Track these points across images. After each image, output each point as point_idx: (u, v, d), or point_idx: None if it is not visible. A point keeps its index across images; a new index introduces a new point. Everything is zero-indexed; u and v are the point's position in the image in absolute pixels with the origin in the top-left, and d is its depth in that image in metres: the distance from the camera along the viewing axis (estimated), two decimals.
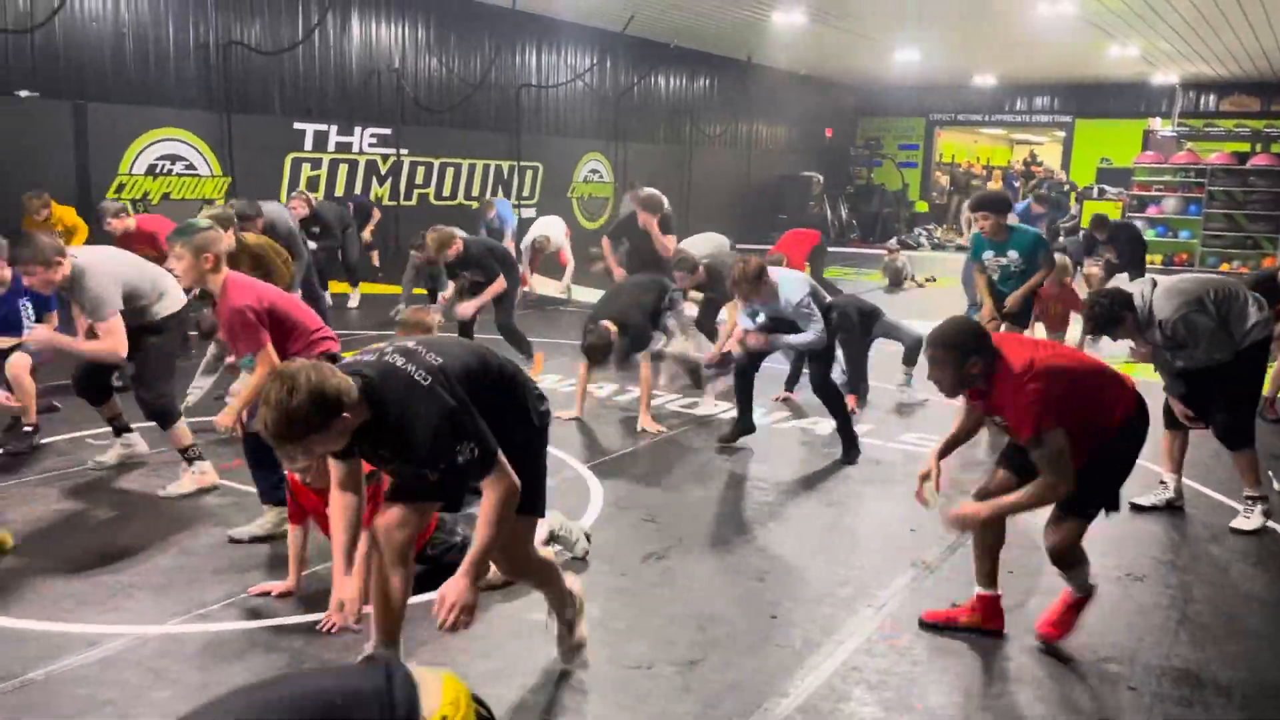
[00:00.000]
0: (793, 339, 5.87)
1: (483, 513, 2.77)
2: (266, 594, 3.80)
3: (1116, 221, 10.92)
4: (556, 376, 7.73)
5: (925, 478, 3.67)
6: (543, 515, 3.28)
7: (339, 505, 3.02)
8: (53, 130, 9.59)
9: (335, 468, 2.99)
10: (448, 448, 2.64)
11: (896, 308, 7.72)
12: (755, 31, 15.58)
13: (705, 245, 9.48)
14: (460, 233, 7.49)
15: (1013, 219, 7.59)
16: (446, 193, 13.86)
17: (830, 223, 20.62)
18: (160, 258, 7.13)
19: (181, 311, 5.07)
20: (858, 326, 7.10)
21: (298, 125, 11.90)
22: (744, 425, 6.07)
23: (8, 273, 5.45)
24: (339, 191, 12.39)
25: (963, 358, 3.35)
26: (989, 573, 3.67)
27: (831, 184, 21.54)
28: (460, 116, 13.89)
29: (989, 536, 3.64)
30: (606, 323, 6.32)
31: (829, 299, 6.13)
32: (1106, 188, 19.36)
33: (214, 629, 3.57)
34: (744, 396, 6.04)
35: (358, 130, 12.54)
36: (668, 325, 6.97)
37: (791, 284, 5.87)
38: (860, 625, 3.71)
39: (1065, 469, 3.26)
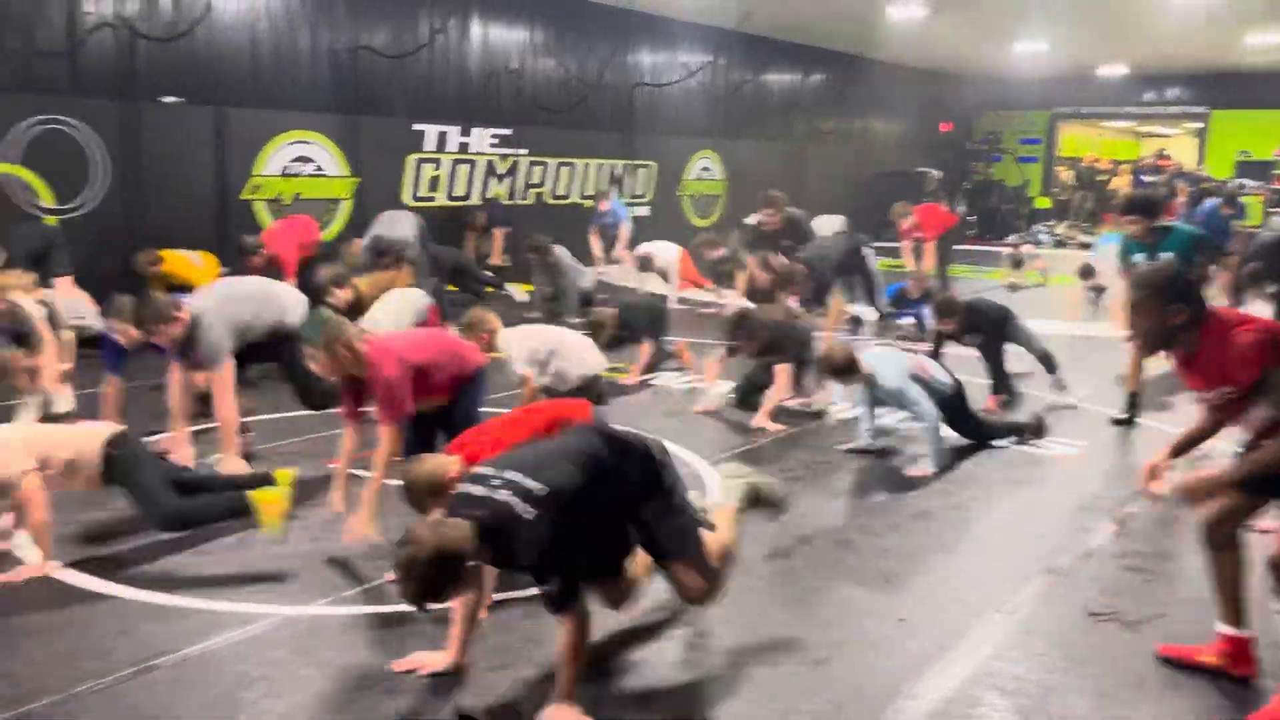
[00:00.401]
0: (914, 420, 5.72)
1: (562, 650, 2.93)
2: None
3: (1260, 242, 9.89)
4: (674, 374, 7.79)
5: (1153, 473, 3.38)
6: (686, 555, 3.22)
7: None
8: (195, 134, 10.08)
9: None
10: (542, 574, 2.91)
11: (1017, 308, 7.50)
12: (870, 26, 15.34)
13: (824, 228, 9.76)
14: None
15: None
16: (562, 191, 14.06)
17: None
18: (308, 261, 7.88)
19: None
20: (992, 327, 6.94)
21: (418, 126, 12.23)
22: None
23: (135, 333, 5.36)
24: (459, 191, 12.69)
25: (1165, 302, 3.06)
26: (1232, 609, 3.21)
27: (948, 180, 21.04)
28: (576, 116, 14.08)
29: (1226, 564, 3.18)
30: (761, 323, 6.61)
31: (937, 378, 5.76)
32: (1246, 182, 18.44)
33: (355, 611, 3.72)
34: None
35: (476, 131, 12.83)
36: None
37: (887, 367, 5.56)
38: (990, 631, 3.64)
39: None
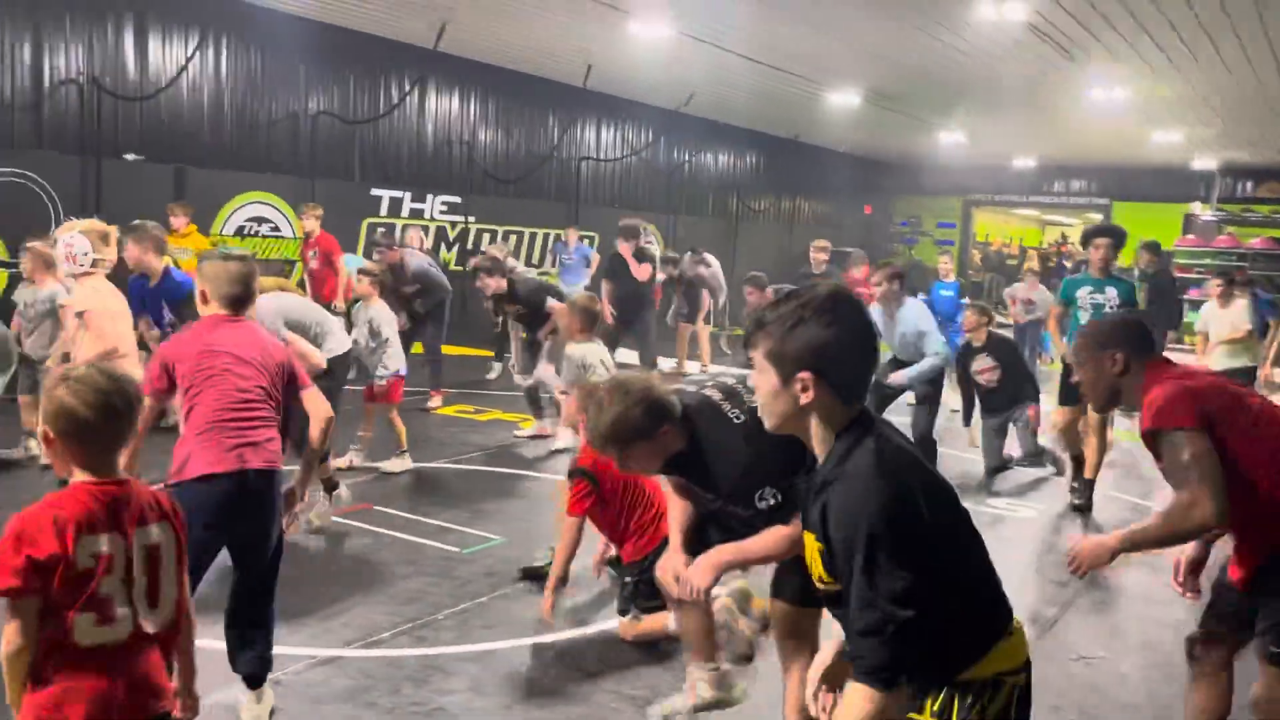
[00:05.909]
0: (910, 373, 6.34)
1: (767, 534, 2.65)
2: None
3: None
4: None
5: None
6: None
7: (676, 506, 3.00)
8: (156, 191, 10.02)
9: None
10: (749, 490, 2.64)
11: None
12: (806, 110, 16.09)
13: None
14: None
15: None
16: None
17: None
18: None
19: (346, 355, 5.40)
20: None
21: (376, 192, 12.37)
22: None
23: (158, 263, 5.30)
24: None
25: (1099, 349, 2.85)
26: None
27: (872, 259, 21.90)
28: (522, 187, 14.49)
29: (1208, 696, 2.91)
30: None
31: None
32: None
33: (390, 654, 3.79)
34: None
35: (430, 197, 13.05)
36: None
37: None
38: None
39: (1205, 479, 2.53)
